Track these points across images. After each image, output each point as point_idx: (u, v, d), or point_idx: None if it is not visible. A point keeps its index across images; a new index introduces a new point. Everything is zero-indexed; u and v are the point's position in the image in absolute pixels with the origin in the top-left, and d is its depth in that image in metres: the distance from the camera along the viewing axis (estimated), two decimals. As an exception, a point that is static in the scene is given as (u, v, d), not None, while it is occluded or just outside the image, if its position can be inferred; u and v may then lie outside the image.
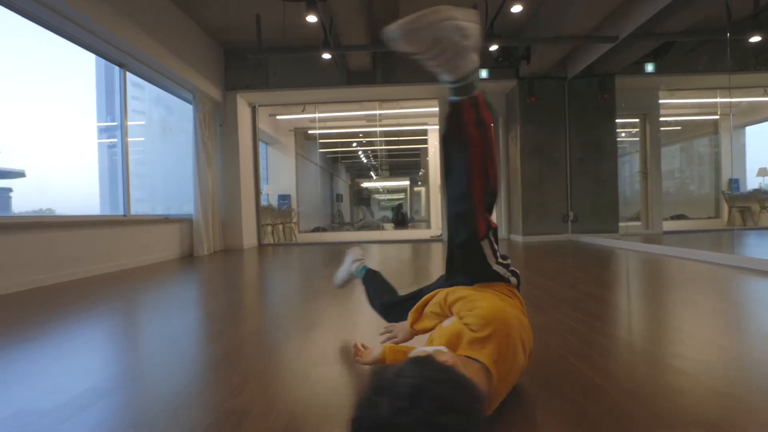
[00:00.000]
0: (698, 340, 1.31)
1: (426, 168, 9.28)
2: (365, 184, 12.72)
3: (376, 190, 13.18)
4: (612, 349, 1.25)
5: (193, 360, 1.30)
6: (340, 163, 11.59)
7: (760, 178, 7.35)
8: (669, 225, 6.63)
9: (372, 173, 12.85)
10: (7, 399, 1.02)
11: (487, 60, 5.17)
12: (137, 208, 4.38)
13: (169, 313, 1.94)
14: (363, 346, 1.14)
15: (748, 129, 7.83)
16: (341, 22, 4.16)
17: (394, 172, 13.34)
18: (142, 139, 5.26)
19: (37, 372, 1.20)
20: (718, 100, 6.67)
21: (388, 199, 13.39)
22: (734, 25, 4.26)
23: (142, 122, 5.21)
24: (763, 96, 6.71)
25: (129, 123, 4.31)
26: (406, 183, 12.81)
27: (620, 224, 5.82)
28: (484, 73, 5.29)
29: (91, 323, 1.80)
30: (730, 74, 3.70)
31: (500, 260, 0.95)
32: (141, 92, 4.88)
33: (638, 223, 6.19)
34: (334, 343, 1.40)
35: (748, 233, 6.45)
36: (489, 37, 4.08)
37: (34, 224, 2.91)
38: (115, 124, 4.53)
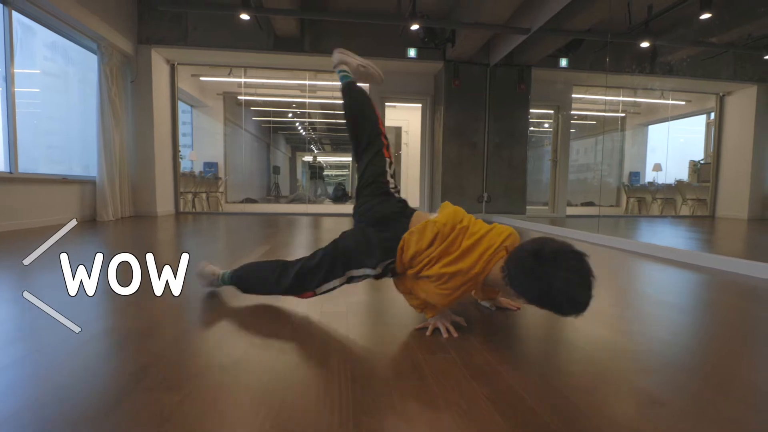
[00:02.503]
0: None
1: (363, 144, 9.29)
2: (310, 158, 12.43)
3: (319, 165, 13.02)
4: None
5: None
6: (278, 134, 11.24)
7: (654, 173, 8.31)
8: (573, 210, 7.31)
9: (312, 147, 12.63)
10: None
11: (414, 40, 5.26)
12: (33, 166, 4.01)
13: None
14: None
15: (650, 127, 8.75)
16: (262, -17, 4.00)
17: (336, 147, 13.18)
18: (37, 90, 4.75)
19: None
20: (621, 98, 7.34)
21: (332, 175, 13.22)
22: (631, 30, 4.70)
23: (37, 71, 4.69)
24: (660, 98, 7.52)
25: (17, 71, 3.87)
26: (348, 159, 12.76)
27: (530, 207, 6.33)
28: (412, 53, 5.38)
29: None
30: (607, 74, 4.12)
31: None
32: (33, 37, 4.37)
33: (545, 208, 6.76)
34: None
35: (638, 220, 7.26)
36: (411, 16, 4.15)
37: None
38: None
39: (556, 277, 0.85)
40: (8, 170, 3.74)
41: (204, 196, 7.15)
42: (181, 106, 6.45)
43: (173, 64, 5.72)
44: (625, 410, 0.76)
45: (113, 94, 4.70)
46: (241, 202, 8.20)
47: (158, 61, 5.40)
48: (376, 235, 1.16)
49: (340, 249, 1.19)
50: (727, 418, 0.73)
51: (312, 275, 1.21)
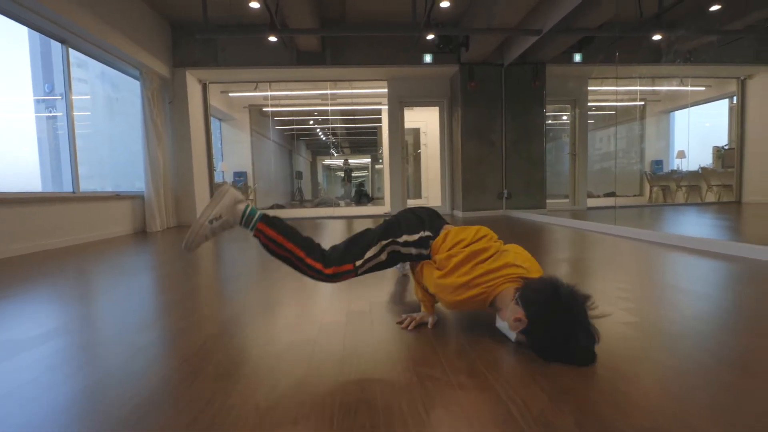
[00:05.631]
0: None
1: (383, 146, 9.57)
2: (340, 162, 12.69)
3: (339, 168, 13.30)
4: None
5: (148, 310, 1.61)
6: (299, 141, 11.64)
7: (678, 160, 8.23)
8: (595, 202, 7.35)
9: (333, 151, 12.99)
10: (-19, 334, 1.30)
11: (429, 46, 5.49)
12: (86, 185, 4.45)
13: (130, 275, 2.21)
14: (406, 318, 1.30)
15: (675, 114, 8.65)
16: (286, 5, 4.31)
17: (355, 149, 13.50)
18: (88, 113, 5.22)
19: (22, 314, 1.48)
20: (638, 88, 7.34)
21: (353, 176, 13.52)
22: (643, 24, 4.80)
23: (88, 96, 5.16)
24: (680, 86, 7.48)
25: (75, 97, 4.32)
26: (367, 160, 13.07)
27: (552, 200, 6.45)
28: (428, 58, 5.61)
29: (51, 286, 2.05)
30: (617, 66, 4.25)
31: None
32: (85, 67, 4.83)
33: (567, 200, 6.86)
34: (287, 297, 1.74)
35: (661, 209, 7.23)
36: (426, 26, 4.39)
37: (-21, 200, 3.01)
38: (56, 98, 4.49)
39: (579, 337, 0.92)
40: (72, 190, 4.19)
41: (236, 204, 7.56)
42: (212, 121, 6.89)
43: (205, 84, 6.14)
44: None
45: (155, 115, 5.13)
46: (270, 207, 8.61)
47: (192, 82, 5.82)
48: (425, 212, 1.40)
49: (390, 219, 1.37)
50: None
51: (362, 237, 1.34)
